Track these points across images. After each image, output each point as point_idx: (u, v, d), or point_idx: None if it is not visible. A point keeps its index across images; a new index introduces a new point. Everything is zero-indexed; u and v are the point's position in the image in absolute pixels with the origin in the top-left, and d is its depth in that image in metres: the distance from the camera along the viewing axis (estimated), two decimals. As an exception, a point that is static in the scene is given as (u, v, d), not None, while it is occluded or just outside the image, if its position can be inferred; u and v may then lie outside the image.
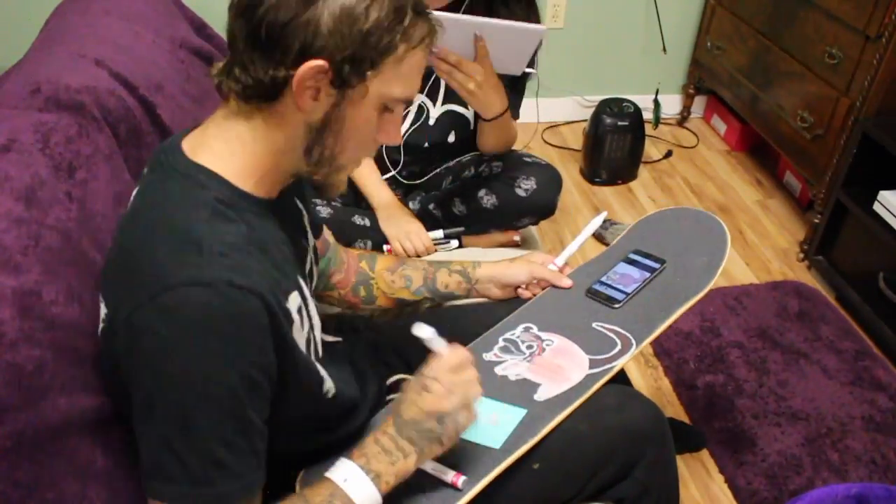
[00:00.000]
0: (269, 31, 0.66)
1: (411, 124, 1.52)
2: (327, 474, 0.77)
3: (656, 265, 1.11)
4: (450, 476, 0.83)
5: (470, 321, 1.10)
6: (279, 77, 0.68)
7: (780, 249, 2.16)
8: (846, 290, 1.87)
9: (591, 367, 0.95)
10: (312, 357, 0.81)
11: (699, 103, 2.82)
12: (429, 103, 1.51)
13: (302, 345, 0.76)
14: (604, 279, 1.10)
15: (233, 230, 0.70)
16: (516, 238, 1.56)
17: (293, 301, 0.75)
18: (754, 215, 2.31)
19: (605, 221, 2.20)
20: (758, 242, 2.19)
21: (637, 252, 1.15)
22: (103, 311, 0.72)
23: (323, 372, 0.82)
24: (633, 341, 0.99)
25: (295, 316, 0.75)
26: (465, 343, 1.04)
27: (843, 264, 1.93)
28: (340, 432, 0.89)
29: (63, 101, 0.88)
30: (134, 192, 0.76)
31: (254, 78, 0.68)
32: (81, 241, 0.78)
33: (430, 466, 0.84)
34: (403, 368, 1.08)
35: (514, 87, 1.47)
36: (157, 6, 1.34)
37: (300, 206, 0.91)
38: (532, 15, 1.43)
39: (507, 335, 1.03)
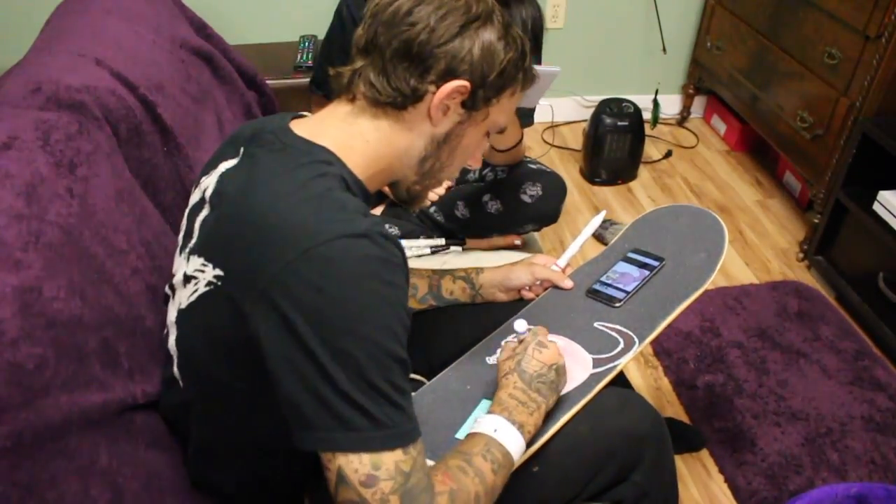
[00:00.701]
0: (420, 49, 0.74)
1: None
2: (475, 429, 0.81)
3: (655, 263, 1.11)
4: None
5: (470, 323, 1.10)
6: (420, 89, 0.76)
7: (780, 249, 2.16)
8: (846, 290, 1.87)
9: (594, 367, 0.96)
10: None
11: (699, 103, 2.82)
12: None
13: None
14: (603, 279, 1.10)
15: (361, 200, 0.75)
16: (517, 242, 1.56)
17: None
18: (754, 215, 2.31)
19: (605, 221, 2.20)
20: (757, 242, 2.19)
21: (635, 251, 1.15)
22: (212, 273, 0.72)
23: None
24: (636, 339, 0.99)
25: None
26: (462, 347, 1.05)
27: (843, 264, 1.93)
28: None
29: (64, 100, 0.88)
30: (230, 164, 0.78)
31: (393, 86, 0.76)
32: (83, 236, 0.78)
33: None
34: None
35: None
36: (158, 6, 1.34)
37: None
38: (536, 20, 1.43)
39: (510, 338, 1.03)
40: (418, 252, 1.49)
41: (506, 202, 1.47)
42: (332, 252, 0.65)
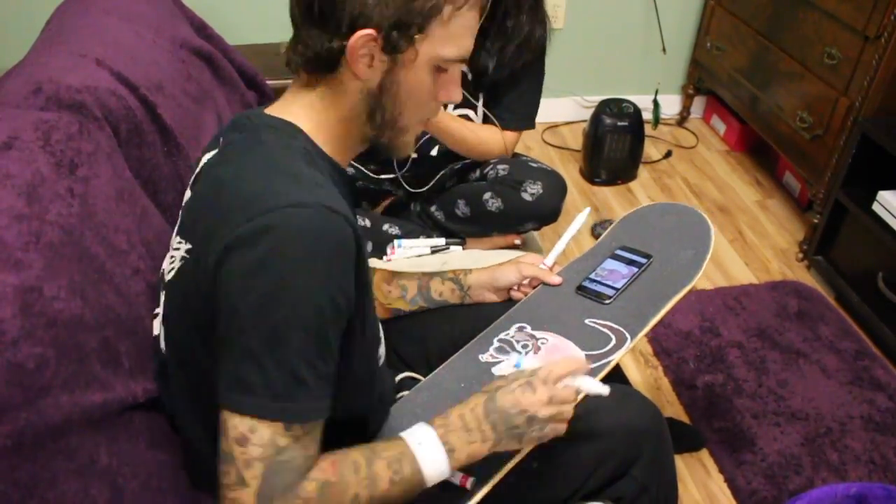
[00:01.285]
0: (321, 6, 0.73)
1: (423, 132, 1.54)
2: (402, 434, 0.77)
3: (643, 260, 1.12)
4: (458, 478, 0.83)
5: (460, 323, 1.10)
6: (334, 48, 0.74)
7: (780, 249, 2.16)
8: (845, 290, 1.87)
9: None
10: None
11: (699, 103, 2.82)
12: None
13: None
14: (592, 276, 1.11)
15: (323, 174, 0.75)
16: (517, 241, 1.57)
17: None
18: (754, 215, 2.32)
19: (605, 221, 2.20)
20: (757, 242, 2.19)
21: (623, 248, 1.16)
22: (184, 247, 0.74)
23: (380, 331, 0.84)
24: (627, 336, 0.99)
25: (366, 254, 0.78)
26: (457, 345, 1.05)
27: (843, 264, 1.93)
28: (371, 427, 0.89)
29: (64, 100, 0.88)
30: (214, 151, 0.80)
31: (313, 51, 0.75)
32: (83, 236, 0.78)
33: None
34: (403, 367, 1.08)
35: (527, 101, 1.49)
36: (158, 6, 1.34)
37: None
38: (538, 23, 1.43)
39: (502, 335, 1.04)
40: (418, 251, 1.49)
41: (507, 200, 1.47)
42: (273, 220, 0.66)
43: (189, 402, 0.83)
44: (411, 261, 1.46)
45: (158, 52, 1.18)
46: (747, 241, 2.20)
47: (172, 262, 0.78)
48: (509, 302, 1.13)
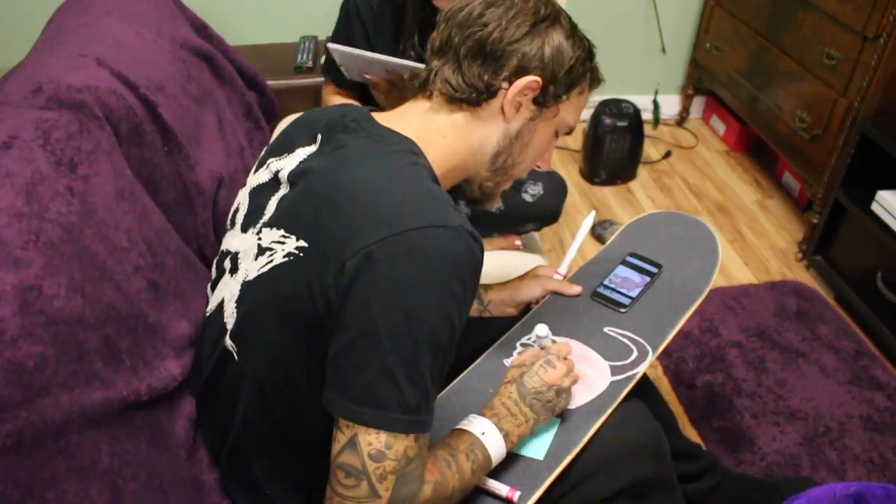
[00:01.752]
0: (493, 47, 0.79)
1: None
2: (463, 426, 0.82)
3: (654, 269, 1.14)
4: (505, 491, 0.85)
5: (480, 328, 1.10)
6: (494, 85, 0.80)
7: (779, 249, 2.16)
8: (844, 290, 1.87)
9: (613, 374, 0.97)
10: None
11: (698, 104, 2.83)
12: None
13: None
14: (606, 282, 1.12)
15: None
16: (518, 242, 1.57)
17: None
18: (753, 215, 2.32)
19: (604, 221, 2.20)
20: (756, 242, 2.19)
21: (634, 255, 1.17)
22: (294, 244, 0.74)
23: None
24: (649, 349, 1.00)
25: None
26: (476, 349, 1.05)
27: (842, 264, 1.93)
28: None
29: (64, 99, 0.88)
30: (310, 150, 0.81)
31: (468, 82, 0.80)
32: (83, 234, 0.78)
33: (482, 482, 0.85)
34: None
35: None
36: (158, 6, 1.34)
37: None
38: None
39: (524, 339, 1.05)
40: None
41: (507, 201, 1.47)
42: (423, 240, 0.68)
43: (255, 392, 0.81)
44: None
45: (159, 52, 1.18)
46: (747, 241, 2.20)
47: (271, 256, 0.77)
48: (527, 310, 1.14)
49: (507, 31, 0.80)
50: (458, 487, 0.77)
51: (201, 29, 1.47)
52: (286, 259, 0.75)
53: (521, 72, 0.80)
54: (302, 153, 0.82)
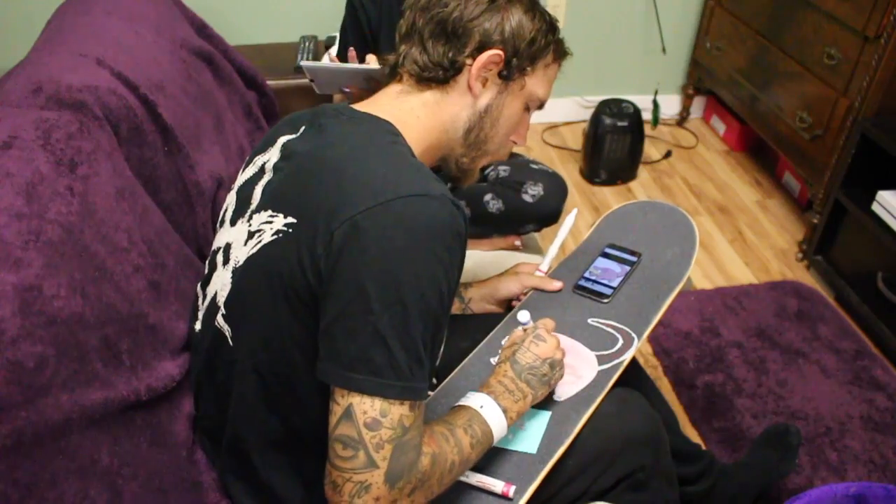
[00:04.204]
0: (454, 26, 0.83)
1: None
2: (462, 402, 0.83)
3: (633, 258, 1.15)
4: (500, 487, 0.84)
5: (465, 327, 1.10)
6: (459, 61, 0.83)
7: (779, 249, 2.16)
8: (845, 290, 1.87)
9: (600, 364, 0.97)
10: None
11: (698, 104, 2.83)
12: None
13: None
14: (587, 275, 1.13)
15: None
16: (517, 243, 1.56)
17: None
18: (753, 215, 2.32)
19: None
20: (757, 242, 2.19)
21: (612, 246, 1.18)
22: (282, 222, 0.75)
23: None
24: (634, 336, 1.01)
25: None
26: (463, 350, 1.05)
27: (842, 264, 1.93)
28: None
29: (64, 99, 0.88)
30: (292, 136, 0.83)
31: (434, 61, 0.83)
32: (83, 234, 0.78)
33: (476, 479, 0.85)
34: None
35: None
36: (158, 6, 1.34)
37: None
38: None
39: (516, 329, 1.04)
40: None
41: (507, 202, 1.47)
42: (407, 207, 0.69)
43: (251, 376, 0.81)
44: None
45: (159, 52, 1.18)
46: (747, 241, 2.20)
47: (259, 237, 0.78)
48: (509, 308, 1.14)
49: (467, 10, 0.83)
50: (458, 461, 0.77)
51: (201, 29, 1.47)
52: (275, 237, 0.76)
53: (483, 47, 0.84)
54: (284, 139, 0.85)
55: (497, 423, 0.82)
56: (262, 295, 0.78)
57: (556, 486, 0.90)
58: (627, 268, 1.13)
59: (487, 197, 1.49)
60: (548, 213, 1.51)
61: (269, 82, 1.63)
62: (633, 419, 0.95)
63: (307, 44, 2.16)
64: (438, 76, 0.84)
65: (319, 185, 0.75)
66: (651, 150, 2.63)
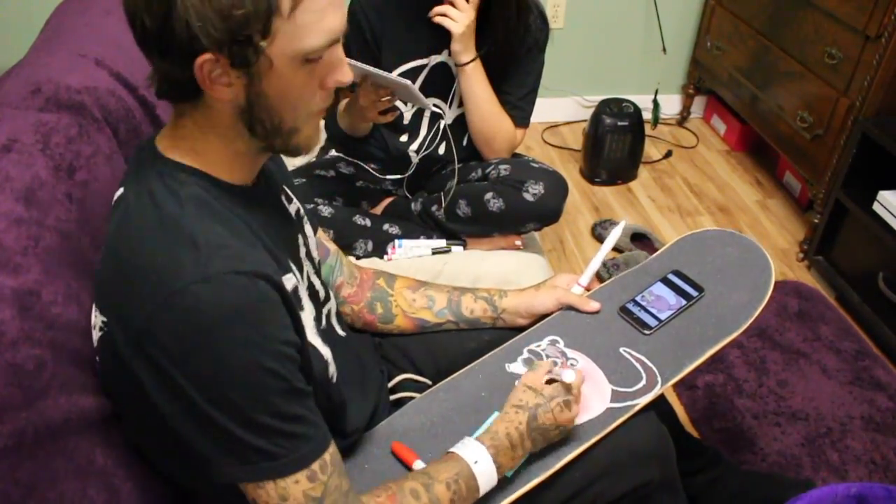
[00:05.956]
0: (152, 43, 0.66)
1: (427, 131, 1.54)
2: (455, 450, 0.80)
3: (694, 293, 1.06)
4: None
5: (476, 335, 1.09)
6: (184, 76, 0.67)
7: (780, 249, 2.16)
8: (846, 290, 1.87)
9: (612, 400, 0.93)
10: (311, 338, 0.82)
11: (699, 103, 2.82)
12: (444, 107, 1.52)
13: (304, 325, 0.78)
14: (638, 299, 1.06)
15: (221, 220, 0.71)
16: (518, 242, 1.56)
17: (288, 283, 0.76)
18: (754, 215, 2.32)
19: (604, 221, 2.20)
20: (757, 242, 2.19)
21: (676, 273, 1.10)
22: (100, 318, 0.71)
23: (327, 354, 0.83)
24: (659, 379, 0.95)
25: (292, 297, 0.75)
26: (471, 350, 1.04)
27: (843, 264, 1.93)
28: (348, 435, 0.89)
29: (63, 101, 0.88)
30: (118, 194, 0.76)
31: (168, 83, 0.69)
32: (81, 241, 0.78)
33: None
34: (410, 368, 1.08)
35: (524, 96, 1.51)
36: (158, 6, 1.34)
37: (281, 193, 0.90)
38: (523, 22, 1.44)
39: (533, 346, 1.01)
40: (419, 253, 1.49)
41: (508, 200, 1.47)
42: (185, 301, 0.64)
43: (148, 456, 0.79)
44: (413, 261, 1.45)
45: (158, 52, 1.18)
46: (747, 240, 2.20)
47: (95, 323, 0.73)
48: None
49: (147, 23, 0.64)
50: None
51: (201, 29, 1.47)
52: (101, 333, 0.72)
53: (191, 53, 0.65)
54: (117, 194, 0.77)
55: (487, 481, 0.79)
56: (113, 393, 0.75)
57: (562, 497, 0.89)
58: (684, 302, 1.04)
59: (488, 196, 1.49)
60: (549, 212, 1.51)
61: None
62: (641, 433, 0.93)
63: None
64: (186, 97, 0.70)
65: (115, 282, 0.69)
66: (651, 150, 2.63)
